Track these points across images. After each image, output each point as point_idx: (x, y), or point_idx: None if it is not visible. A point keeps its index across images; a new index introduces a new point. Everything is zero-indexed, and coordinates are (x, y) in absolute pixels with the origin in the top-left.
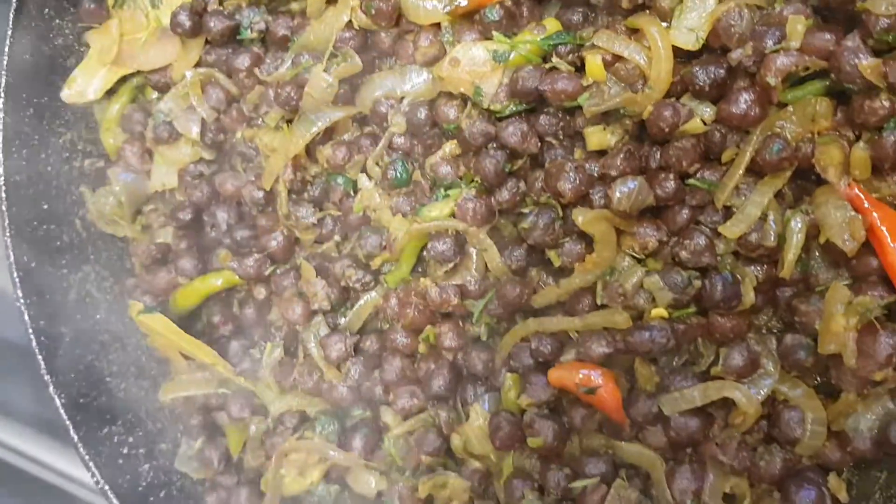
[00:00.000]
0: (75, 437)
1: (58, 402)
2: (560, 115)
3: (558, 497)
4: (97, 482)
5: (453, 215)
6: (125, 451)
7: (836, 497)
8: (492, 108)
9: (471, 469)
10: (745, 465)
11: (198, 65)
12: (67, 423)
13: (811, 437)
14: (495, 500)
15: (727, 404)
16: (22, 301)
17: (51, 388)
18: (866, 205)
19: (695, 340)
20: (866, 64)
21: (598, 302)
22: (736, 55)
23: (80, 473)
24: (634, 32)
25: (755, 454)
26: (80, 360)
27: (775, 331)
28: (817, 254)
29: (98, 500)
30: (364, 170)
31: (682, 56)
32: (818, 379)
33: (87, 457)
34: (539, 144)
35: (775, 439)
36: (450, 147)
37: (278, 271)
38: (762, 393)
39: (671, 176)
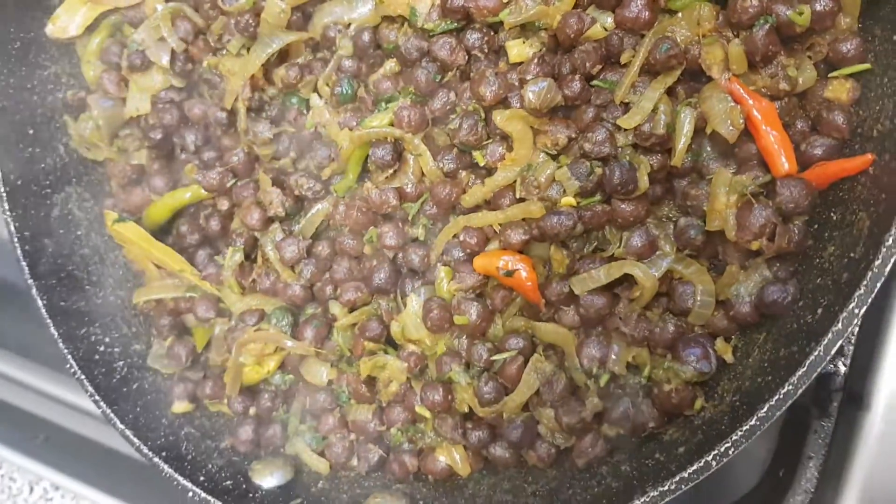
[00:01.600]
0: (55, 334)
1: (39, 303)
2: (485, 31)
3: (481, 368)
4: (74, 373)
5: (392, 125)
6: (101, 348)
7: (723, 359)
8: (425, 26)
9: (408, 352)
10: (643, 334)
11: None
12: (48, 321)
13: (701, 307)
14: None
15: (633, 286)
16: (8, 213)
17: (33, 291)
18: (744, 95)
19: (602, 228)
20: None
21: (518, 196)
22: None
23: (58, 392)
24: None
25: (652, 324)
26: (61, 269)
27: (673, 219)
28: (708, 147)
29: (80, 425)
30: (315, 90)
31: None
32: (712, 264)
33: (65, 350)
34: (466, 57)
35: (670, 311)
36: (390, 65)
37: (239, 184)
38: (660, 271)
39: (577, 77)
